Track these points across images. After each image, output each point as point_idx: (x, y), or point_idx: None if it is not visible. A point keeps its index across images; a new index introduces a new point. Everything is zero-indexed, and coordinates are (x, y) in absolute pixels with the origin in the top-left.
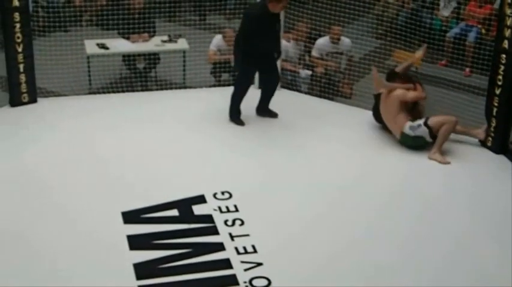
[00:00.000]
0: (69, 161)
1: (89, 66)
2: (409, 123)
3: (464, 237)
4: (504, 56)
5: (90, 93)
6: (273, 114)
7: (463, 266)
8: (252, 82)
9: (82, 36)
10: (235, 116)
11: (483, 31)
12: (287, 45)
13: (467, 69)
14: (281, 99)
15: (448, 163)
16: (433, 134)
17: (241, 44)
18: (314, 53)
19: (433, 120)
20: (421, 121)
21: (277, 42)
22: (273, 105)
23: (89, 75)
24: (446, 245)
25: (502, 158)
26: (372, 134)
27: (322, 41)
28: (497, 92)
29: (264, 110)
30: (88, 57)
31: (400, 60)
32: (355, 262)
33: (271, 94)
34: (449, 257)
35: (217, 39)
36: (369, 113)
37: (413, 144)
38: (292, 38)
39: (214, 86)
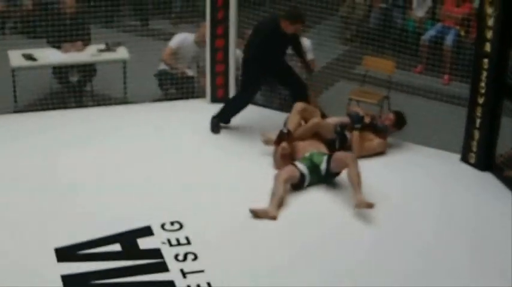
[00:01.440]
0: None
1: (14, 81)
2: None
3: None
4: (486, 60)
5: (15, 111)
6: None
7: None
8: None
9: (5, 46)
10: (220, 124)
11: (462, 33)
12: (239, 53)
13: (446, 77)
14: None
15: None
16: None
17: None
18: None
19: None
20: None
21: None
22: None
23: (14, 91)
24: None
25: (487, 176)
26: None
27: None
28: (480, 101)
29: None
30: (13, 70)
31: (369, 67)
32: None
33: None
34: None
35: (182, 37)
36: None
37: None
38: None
39: (159, 100)
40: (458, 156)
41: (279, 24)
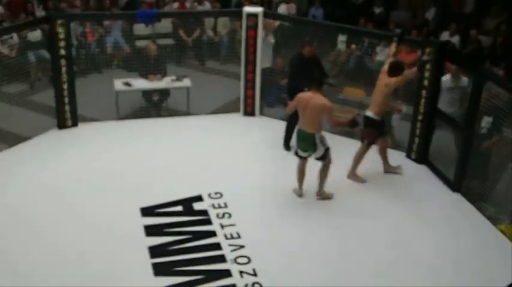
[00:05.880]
0: (97, 171)
1: (117, 99)
2: (319, 135)
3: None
4: (424, 92)
5: (118, 119)
6: None
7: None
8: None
9: (112, 76)
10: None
11: None
12: None
13: (399, 101)
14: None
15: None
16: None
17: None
18: None
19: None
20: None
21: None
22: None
23: (117, 106)
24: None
25: (422, 167)
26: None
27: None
28: (420, 118)
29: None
30: (116, 92)
31: (348, 94)
32: (331, 254)
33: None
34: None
35: None
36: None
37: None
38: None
39: (209, 113)
40: (403, 153)
41: (302, 52)
